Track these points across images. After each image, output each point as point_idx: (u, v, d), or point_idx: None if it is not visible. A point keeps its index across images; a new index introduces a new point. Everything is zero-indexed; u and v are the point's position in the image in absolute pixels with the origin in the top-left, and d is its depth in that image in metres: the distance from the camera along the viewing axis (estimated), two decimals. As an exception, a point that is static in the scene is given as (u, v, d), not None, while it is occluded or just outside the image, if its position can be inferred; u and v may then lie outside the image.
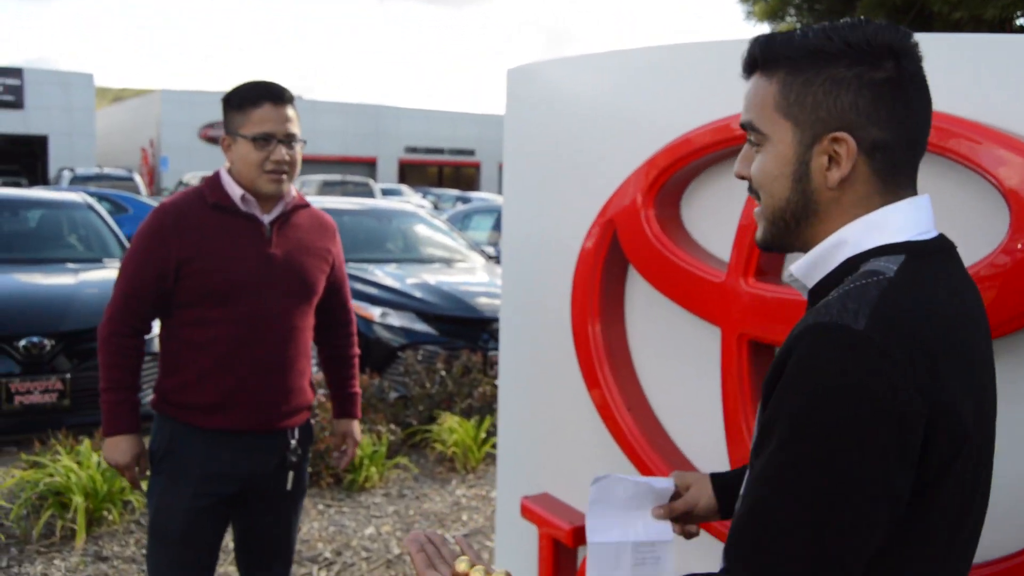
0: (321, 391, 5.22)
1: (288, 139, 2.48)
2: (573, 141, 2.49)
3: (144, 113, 43.22)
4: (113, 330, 2.50)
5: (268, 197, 2.52)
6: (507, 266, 2.85)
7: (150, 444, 2.57)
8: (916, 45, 1.17)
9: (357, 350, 2.94)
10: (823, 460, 1.03)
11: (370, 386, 5.56)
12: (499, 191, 39.77)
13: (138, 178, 23.98)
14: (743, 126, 1.25)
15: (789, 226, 1.23)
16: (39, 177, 34.79)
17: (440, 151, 49.04)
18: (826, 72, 1.15)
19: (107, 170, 23.71)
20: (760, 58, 1.21)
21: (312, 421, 2.78)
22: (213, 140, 43.47)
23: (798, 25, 4.69)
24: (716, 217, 2.11)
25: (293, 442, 2.62)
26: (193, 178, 25.74)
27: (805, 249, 1.24)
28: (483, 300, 6.87)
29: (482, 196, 25.91)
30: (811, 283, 1.23)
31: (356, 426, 2.92)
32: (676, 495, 1.58)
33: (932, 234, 1.18)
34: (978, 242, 1.56)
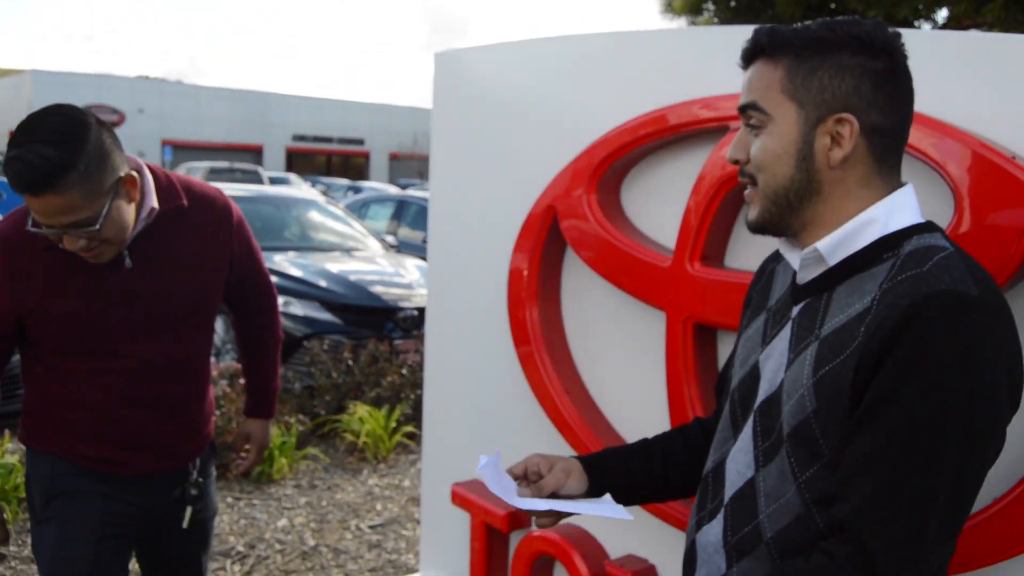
0: (224, 381, 5.08)
1: (74, 229, 1.87)
2: (507, 128, 2.48)
3: (13, 95, 41.03)
4: None
5: None
6: (434, 253, 2.82)
7: (27, 488, 2.18)
8: (903, 43, 1.26)
9: (281, 335, 2.60)
10: (964, 420, 1.09)
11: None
12: (389, 181, 39.52)
13: (10, 163, 22.75)
14: (744, 108, 1.29)
15: (791, 205, 1.27)
16: None
17: (329, 140, 48.28)
18: (831, 59, 1.22)
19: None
20: (768, 45, 1.26)
21: (214, 419, 2.47)
22: (89, 124, 41.57)
23: (715, 20, 4.82)
24: (657, 204, 2.14)
25: (194, 474, 2.29)
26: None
27: (800, 231, 1.29)
28: (387, 289, 6.80)
29: (373, 185, 25.62)
30: (834, 260, 1.25)
31: (264, 427, 2.57)
32: (535, 477, 1.48)
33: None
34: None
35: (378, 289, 6.78)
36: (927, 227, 1.24)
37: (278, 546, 4.01)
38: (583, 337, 2.34)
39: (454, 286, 2.72)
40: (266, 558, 3.88)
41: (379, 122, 47.60)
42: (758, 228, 1.32)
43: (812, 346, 1.23)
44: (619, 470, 1.55)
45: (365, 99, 50.32)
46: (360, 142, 48.75)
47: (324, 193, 23.81)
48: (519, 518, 2.46)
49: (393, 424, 5.25)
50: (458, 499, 2.58)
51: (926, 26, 4.62)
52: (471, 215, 2.63)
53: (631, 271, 2.07)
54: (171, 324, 2.11)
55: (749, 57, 1.31)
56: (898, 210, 1.24)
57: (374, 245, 8.47)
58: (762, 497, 1.27)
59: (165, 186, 2.10)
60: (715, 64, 1.89)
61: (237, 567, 3.78)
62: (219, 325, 6.86)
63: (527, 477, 1.47)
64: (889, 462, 1.12)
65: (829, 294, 1.25)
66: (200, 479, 2.31)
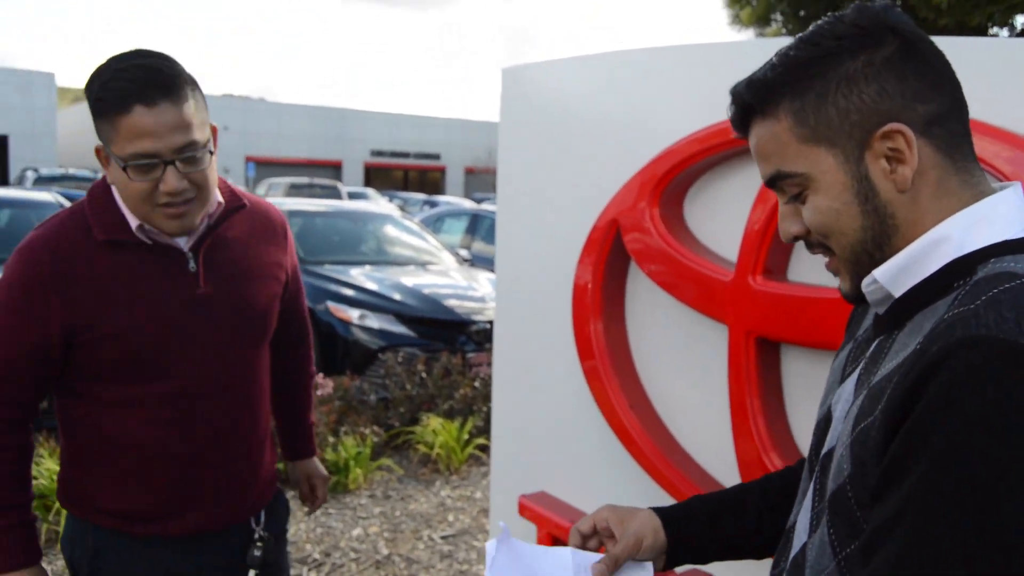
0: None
1: (183, 155, 1.62)
2: (572, 142, 2.50)
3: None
4: None
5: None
6: (502, 267, 2.85)
7: (65, 551, 1.92)
8: (898, 10, 1.04)
9: (314, 369, 2.33)
10: (991, 491, 0.82)
11: (351, 388, 5.54)
12: (465, 195, 39.80)
13: (102, 180, 23.67)
14: (770, 182, 1.09)
15: (874, 257, 1.03)
16: (-1, 177, 34.23)
17: (406, 155, 48.95)
18: (833, 76, 1.00)
19: (72, 171, 23.35)
20: (756, 100, 1.06)
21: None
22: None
23: (784, 31, 4.75)
24: (719, 217, 2.13)
25: (257, 530, 1.97)
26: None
27: None
28: (460, 302, 6.87)
29: (448, 200, 25.89)
30: (900, 291, 1.02)
31: (317, 463, 2.36)
32: (606, 533, 1.31)
33: None
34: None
35: (451, 302, 6.85)
36: (1019, 245, 0.95)
37: (353, 555, 4.08)
38: (647, 351, 2.34)
39: (521, 299, 2.75)
40: (341, 566, 3.95)
41: (455, 137, 48.06)
42: (859, 298, 1.09)
43: (863, 395, 1.01)
44: (704, 526, 1.33)
45: (441, 114, 50.86)
46: (436, 157, 49.30)
47: (401, 207, 24.14)
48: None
49: (465, 436, 5.29)
50: (525, 511, 2.60)
51: (1003, 33, 4.50)
52: (537, 229, 2.65)
53: (693, 285, 2.07)
54: (233, 339, 1.85)
55: (743, 123, 1.10)
56: (982, 222, 0.97)
57: (448, 259, 8.57)
58: (808, 570, 1.06)
59: (223, 186, 1.90)
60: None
61: (313, 574, 3.87)
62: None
63: (597, 533, 1.30)
64: (905, 531, 0.87)
65: (899, 331, 1.02)
66: (267, 536, 1.99)
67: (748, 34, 4.85)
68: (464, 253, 9.56)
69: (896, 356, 0.98)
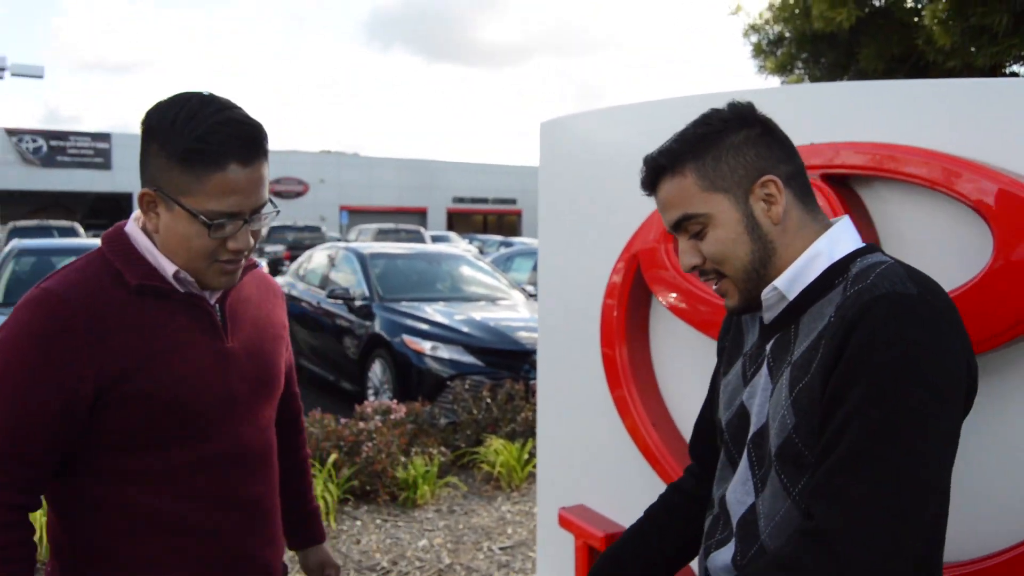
0: (378, 417, 5.30)
1: (258, 214, 1.47)
2: (600, 185, 2.55)
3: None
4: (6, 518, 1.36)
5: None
6: (543, 300, 2.91)
7: None
8: (753, 106, 1.34)
9: (308, 451, 2.00)
10: (913, 407, 1.08)
11: (422, 412, 5.63)
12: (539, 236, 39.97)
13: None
14: (676, 224, 1.33)
15: (759, 274, 1.30)
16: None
17: (485, 200, 49.54)
18: (723, 145, 1.29)
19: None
20: (668, 163, 1.32)
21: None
22: (279, 194, 44.33)
23: (806, 78, 4.78)
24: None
25: None
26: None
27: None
28: (524, 334, 6.94)
29: (524, 241, 26.13)
30: (792, 295, 1.29)
31: (327, 549, 1.99)
32: None
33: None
34: (958, 267, 1.59)
35: (515, 334, 6.92)
36: (869, 249, 1.27)
37: (417, 563, 4.13)
38: (669, 374, 2.37)
39: (559, 329, 2.80)
40: (406, 574, 4.01)
41: (530, 183, 48.36)
42: (744, 309, 1.35)
43: (786, 371, 1.26)
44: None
45: (517, 163, 51.33)
46: (513, 201, 49.77)
47: (480, 249, 24.43)
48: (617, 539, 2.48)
49: (525, 456, 5.32)
50: (564, 522, 2.63)
51: (1019, 69, 4.41)
52: (571, 265, 2.71)
53: (701, 311, 2.09)
54: (257, 399, 1.61)
55: (653, 182, 1.35)
56: (839, 240, 1.28)
57: (516, 295, 8.66)
58: (762, 519, 1.29)
59: None
60: (788, 120, 1.91)
61: (380, 581, 3.94)
62: (377, 367, 7.16)
63: None
64: (848, 465, 1.10)
65: (796, 325, 1.28)
66: None
67: (774, 81, 4.92)
68: (531, 289, 9.64)
69: (809, 335, 1.23)
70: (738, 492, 1.35)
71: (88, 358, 1.38)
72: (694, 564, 2.17)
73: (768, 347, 1.33)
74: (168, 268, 1.48)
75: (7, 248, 8.13)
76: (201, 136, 1.38)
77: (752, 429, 1.33)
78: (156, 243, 1.49)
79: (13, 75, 27.30)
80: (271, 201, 1.50)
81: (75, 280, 1.43)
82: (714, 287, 1.35)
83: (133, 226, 1.52)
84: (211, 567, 1.53)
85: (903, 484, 1.06)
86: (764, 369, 1.32)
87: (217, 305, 1.56)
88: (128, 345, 1.42)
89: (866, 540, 1.06)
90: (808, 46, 4.56)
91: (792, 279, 1.28)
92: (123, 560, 1.47)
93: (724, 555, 1.35)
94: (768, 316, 1.34)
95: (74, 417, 1.39)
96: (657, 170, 1.34)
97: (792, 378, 1.23)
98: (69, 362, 1.37)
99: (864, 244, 1.29)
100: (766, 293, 1.31)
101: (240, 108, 1.45)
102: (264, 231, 1.60)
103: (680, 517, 1.59)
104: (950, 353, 1.12)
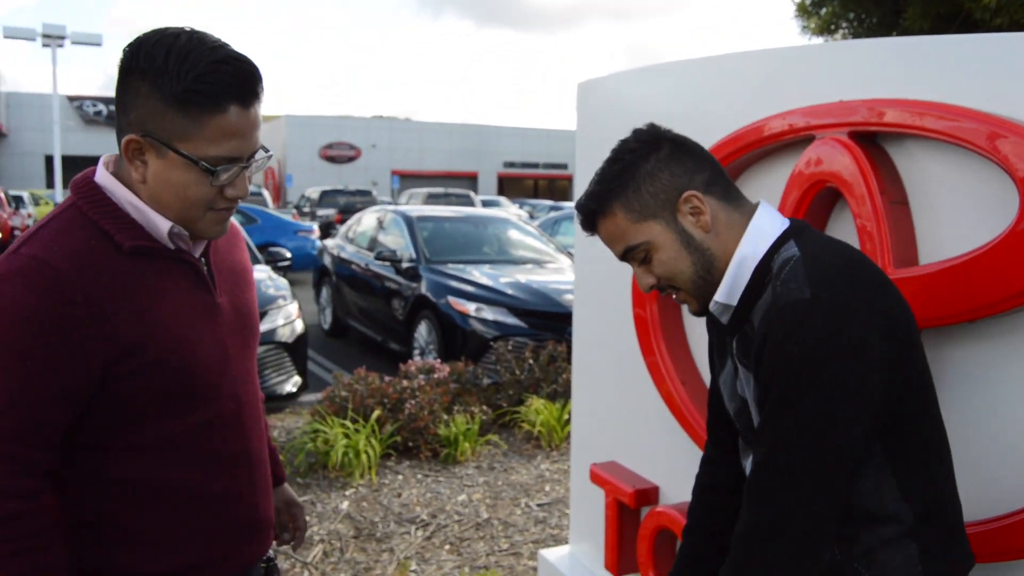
0: (421, 376, 5.38)
1: (255, 159, 1.39)
2: (634, 145, 2.55)
3: (271, 137, 44.73)
4: (3, 513, 1.26)
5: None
6: (579, 265, 2.93)
7: None
8: (655, 127, 1.45)
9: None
10: (809, 401, 1.23)
11: (465, 372, 5.71)
12: (589, 201, 39.70)
13: (266, 193, 24.88)
14: (623, 256, 1.42)
15: (707, 280, 1.40)
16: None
17: (535, 165, 49.34)
18: (638, 175, 1.37)
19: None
20: (597, 208, 1.41)
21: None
22: (331, 159, 44.64)
23: (850, 37, 4.67)
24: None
25: (272, 551, 1.71)
26: (314, 192, 26.53)
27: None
28: (568, 297, 6.95)
29: (572, 205, 25.99)
30: (735, 301, 1.38)
31: (291, 490, 1.89)
32: None
33: (788, 221, 1.38)
34: (982, 226, 1.57)
35: (560, 297, 6.95)
36: (784, 236, 1.35)
37: (456, 517, 4.23)
38: (698, 333, 2.38)
39: (593, 291, 2.82)
40: (445, 526, 4.11)
41: (580, 148, 48.08)
42: (705, 311, 1.44)
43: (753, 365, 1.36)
44: None
45: (568, 127, 50.93)
46: (564, 166, 49.48)
47: (530, 213, 24.38)
48: (646, 494, 2.52)
49: (566, 416, 5.37)
50: (595, 478, 2.67)
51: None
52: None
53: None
54: (245, 352, 1.55)
55: (590, 225, 1.44)
56: (759, 235, 1.36)
57: (562, 258, 8.67)
58: None
59: None
60: (818, 78, 1.90)
61: (420, 532, 4.03)
62: (423, 327, 7.26)
63: None
64: (762, 472, 1.29)
65: (750, 321, 1.37)
66: (275, 557, 1.73)
67: (817, 41, 4.79)
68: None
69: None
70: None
71: (93, 334, 1.28)
72: (668, 502, 2.22)
73: (734, 344, 1.43)
74: (162, 225, 1.37)
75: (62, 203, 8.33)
76: (200, 76, 1.28)
77: (755, 421, 1.42)
78: (139, 194, 1.37)
79: (73, 43, 27.84)
80: (263, 147, 1.41)
81: (63, 245, 1.30)
82: (675, 298, 1.45)
83: (106, 176, 1.39)
84: (227, 532, 1.50)
85: (806, 496, 1.23)
86: (738, 363, 1.43)
87: (202, 259, 1.48)
88: (131, 314, 1.32)
89: (779, 544, 1.26)
90: (852, 5, 4.45)
91: (730, 288, 1.38)
92: (134, 534, 1.41)
93: None
94: (724, 319, 1.43)
95: (82, 395, 1.31)
96: (589, 215, 1.43)
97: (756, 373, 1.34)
98: (75, 340, 1.27)
99: (783, 227, 1.36)
100: (712, 306, 1.41)
101: (229, 45, 1.34)
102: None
103: (723, 518, 1.64)
104: (848, 348, 1.20)
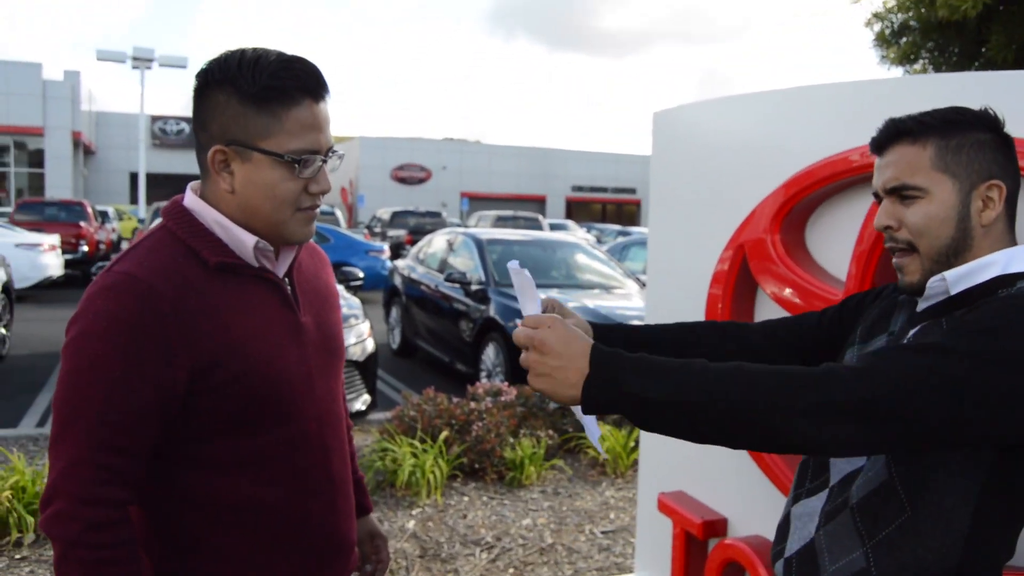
0: (488, 398, 5.42)
1: (331, 155, 1.45)
2: (709, 175, 2.56)
3: (345, 157, 45.51)
4: (91, 519, 1.28)
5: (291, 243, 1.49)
6: (651, 288, 2.94)
7: None
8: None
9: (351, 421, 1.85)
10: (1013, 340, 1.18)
11: (532, 396, 5.72)
12: (657, 226, 39.52)
13: (339, 213, 25.34)
14: (893, 188, 1.34)
15: (948, 261, 1.33)
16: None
17: (604, 189, 49.29)
18: (971, 136, 1.32)
19: (314, 206, 25.06)
20: (914, 128, 1.34)
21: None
22: (403, 180, 45.28)
23: (930, 68, 4.56)
24: (835, 241, 2.13)
25: None
26: (385, 212, 26.94)
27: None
28: (637, 323, 6.92)
29: (640, 230, 25.92)
30: (955, 290, 1.32)
31: (376, 522, 1.89)
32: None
33: None
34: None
35: (630, 324, 6.91)
36: None
37: (521, 540, 4.23)
38: (772, 364, 2.36)
39: (665, 318, 2.82)
40: (509, 550, 4.12)
41: (649, 172, 47.91)
42: (918, 290, 1.36)
43: None
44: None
45: (637, 152, 50.78)
46: (632, 191, 49.32)
47: (597, 238, 24.35)
48: (714, 526, 2.50)
49: (632, 444, 5.34)
50: (664, 507, 2.66)
51: None
52: (678, 254, 2.72)
53: (805, 302, 2.08)
54: (332, 373, 1.58)
55: (889, 141, 1.36)
56: (1019, 257, 1.32)
57: (630, 284, 8.64)
58: (861, 478, 1.35)
59: None
60: (893, 111, 1.88)
61: (484, 555, 4.05)
62: (491, 350, 7.31)
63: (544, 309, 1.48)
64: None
65: (946, 320, 1.30)
66: None
67: (896, 72, 4.70)
68: (645, 278, 9.58)
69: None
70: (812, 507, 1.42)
71: (180, 345, 1.32)
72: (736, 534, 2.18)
73: (912, 333, 1.36)
74: (247, 240, 1.42)
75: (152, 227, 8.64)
76: (273, 73, 1.35)
77: None
78: (228, 208, 1.42)
79: (161, 65, 28.90)
80: (333, 148, 1.45)
81: (153, 263, 1.36)
82: (895, 260, 1.37)
83: (193, 199, 1.45)
84: (304, 553, 1.49)
85: (907, 396, 1.14)
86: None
87: (286, 279, 1.51)
88: (216, 328, 1.36)
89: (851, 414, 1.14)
90: (933, 35, 4.35)
91: (962, 275, 1.31)
92: (212, 551, 1.42)
93: (814, 503, 1.42)
94: (923, 304, 1.37)
95: (169, 407, 1.34)
96: (900, 132, 1.35)
97: None
98: (163, 350, 1.31)
99: None
100: (933, 281, 1.33)
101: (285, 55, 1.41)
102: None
103: (713, 344, 1.62)
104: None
